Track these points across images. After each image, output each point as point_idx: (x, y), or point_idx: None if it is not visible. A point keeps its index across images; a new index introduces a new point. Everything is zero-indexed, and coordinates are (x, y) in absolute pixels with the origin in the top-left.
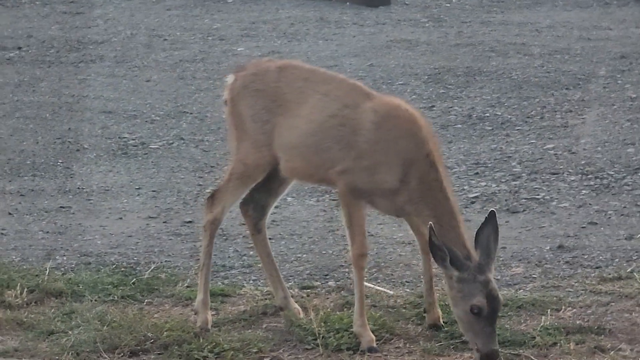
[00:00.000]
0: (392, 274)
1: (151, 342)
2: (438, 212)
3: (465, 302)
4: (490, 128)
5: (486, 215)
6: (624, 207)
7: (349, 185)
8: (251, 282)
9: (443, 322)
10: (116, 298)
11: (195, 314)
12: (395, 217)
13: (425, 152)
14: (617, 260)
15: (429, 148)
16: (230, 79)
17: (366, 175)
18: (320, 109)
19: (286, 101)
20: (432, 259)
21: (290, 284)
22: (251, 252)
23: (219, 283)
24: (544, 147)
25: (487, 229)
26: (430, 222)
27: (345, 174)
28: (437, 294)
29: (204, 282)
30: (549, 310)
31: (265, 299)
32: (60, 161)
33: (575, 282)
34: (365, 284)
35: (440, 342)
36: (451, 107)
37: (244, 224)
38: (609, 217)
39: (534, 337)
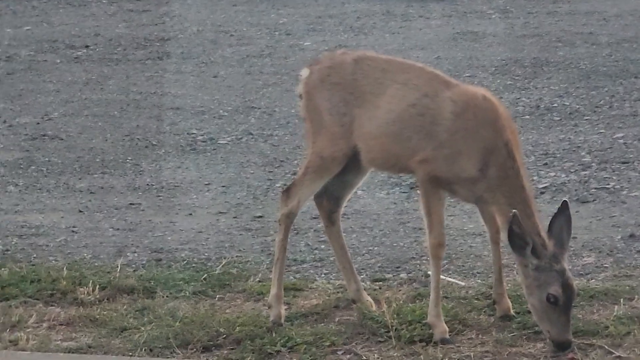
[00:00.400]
0: (463, 265)
1: (223, 338)
2: (514, 200)
3: (541, 290)
4: (558, 118)
5: (559, 205)
6: None
7: (429, 174)
8: (323, 275)
9: (514, 312)
10: (188, 294)
11: (268, 308)
12: (467, 207)
13: (504, 141)
14: None
15: (507, 137)
16: (304, 72)
17: (446, 164)
18: (400, 98)
19: (364, 93)
20: (501, 249)
21: (362, 276)
22: (322, 246)
23: (291, 277)
24: (613, 137)
25: (560, 219)
26: (514, 211)
27: (425, 163)
28: (507, 285)
29: (278, 276)
30: (621, 299)
31: (338, 292)
32: (129, 158)
33: None
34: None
35: (513, 332)
36: (519, 98)
37: (315, 218)
38: None
39: (607, 327)
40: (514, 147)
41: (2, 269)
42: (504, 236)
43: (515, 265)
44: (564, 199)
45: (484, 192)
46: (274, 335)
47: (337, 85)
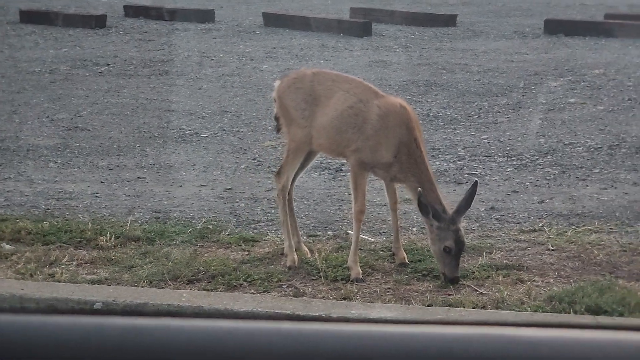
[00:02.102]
0: (373, 227)
1: (202, 274)
2: (421, 179)
3: (440, 243)
4: (442, 124)
5: (472, 184)
6: (537, 180)
7: (358, 159)
8: (273, 231)
9: (408, 261)
10: (177, 242)
11: (285, 256)
12: (376, 185)
13: (413, 137)
14: (532, 218)
15: (416, 134)
16: (277, 83)
17: (370, 153)
18: (342, 101)
19: (319, 96)
20: (398, 215)
21: (300, 232)
22: (273, 211)
23: (250, 232)
24: (481, 137)
25: (467, 193)
26: (419, 188)
27: (356, 151)
28: (403, 241)
29: (287, 233)
30: (484, 253)
31: (283, 243)
32: (137, 145)
33: (503, 233)
34: (350, 232)
35: (407, 275)
36: (415, 109)
37: (267, 190)
38: (527, 187)
39: (474, 272)
40: (420, 142)
41: (44, 222)
42: (414, 205)
43: (410, 228)
44: (475, 179)
45: (397, 173)
46: (238, 273)
47: (299, 90)
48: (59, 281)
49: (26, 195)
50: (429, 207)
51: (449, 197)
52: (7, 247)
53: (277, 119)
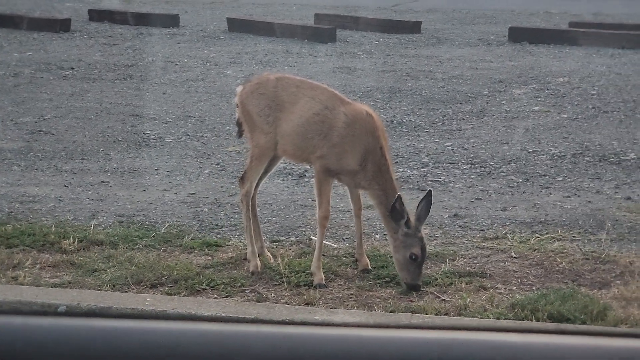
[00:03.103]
0: (336, 233)
1: (165, 278)
2: (385, 187)
3: (406, 250)
4: (406, 130)
5: (426, 193)
6: (501, 187)
7: (323, 166)
8: (236, 236)
9: (371, 267)
10: (141, 246)
11: (248, 261)
12: (340, 191)
13: (379, 145)
14: (495, 225)
15: (381, 142)
16: (239, 88)
17: (336, 160)
18: (308, 108)
19: (283, 102)
20: (362, 221)
21: (264, 238)
22: (236, 215)
23: (214, 237)
24: (445, 145)
25: (423, 202)
26: (399, 194)
27: (321, 158)
28: (366, 248)
29: (250, 239)
30: (447, 260)
31: (246, 248)
32: (101, 149)
33: (466, 240)
34: (313, 237)
35: (370, 281)
36: (379, 115)
37: (231, 196)
38: (490, 195)
39: (437, 279)
40: (385, 150)
41: (7, 225)
42: (379, 211)
43: (373, 234)
44: (430, 188)
45: (362, 181)
46: (201, 277)
47: (262, 95)
48: (22, 284)
49: None
50: (404, 212)
51: (412, 204)
52: None
53: (239, 124)
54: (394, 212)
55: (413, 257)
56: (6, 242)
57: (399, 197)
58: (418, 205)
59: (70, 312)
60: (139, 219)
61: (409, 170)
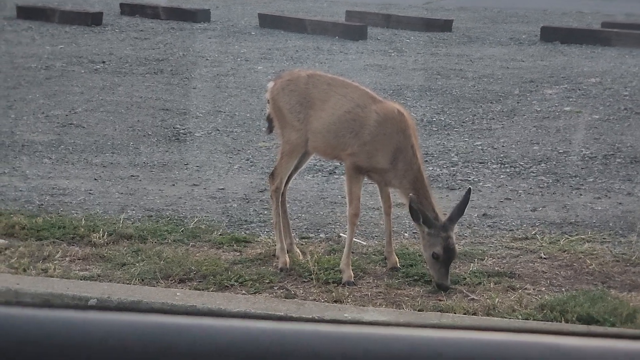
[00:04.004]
0: (365, 230)
1: (194, 273)
2: (416, 186)
3: (430, 249)
4: (436, 129)
5: (465, 191)
6: (530, 188)
7: (353, 164)
8: (265, 232)
9: (400, 265)
10: (170, 241)
11: (277, 258)
12: (370, 189)
13: (410, 144)
14: (524, 225)
15: (412, 141)
16: (270, 84)
17: (367, 158)
18: (339, 106)
19: (314, 99)
20: (391, 219)
21: (293, 234)
22: (265, 212)
23: (242, 232)
24: (474, 144)
25: (460, 201)
26: (410, 194)
27: (352, 155)
28: (395, 245)
29: (279, 235)
30: (475, 259)
31: (275, 245)
32: (131, 143)
33: (495, 240)
34: (343, 234)
35: (399, 279)
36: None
37: (261, 191)
38: (519, 195)
39: (465, 278)
40: (416, 148)
41: (38, 217)
42: (406, 210)
43: (402, 232)
44: (469, 186)
45: (392, 179)
46: (229, 273)
47: (293, 92)
48: (52, 276)
49: (20, 191)
50: (420, 212)
51: (442, 203)
52: (1, 241)
53: (269, 119)
54: (412, 212)
55: (435, 256)
56: (37, 234)
57: (412, 198)
58: (458, 203)
59: (101, 306)
60: (167, 213)
61: (438, 169)
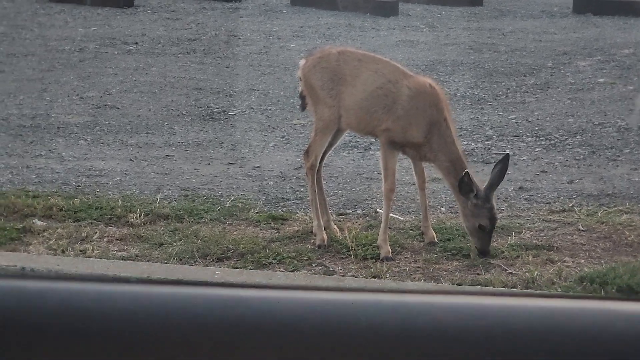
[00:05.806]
0: (402, 205)
1: (231, 252)
2: (451, 158)
3: (475, 220)
4: (469, 103)
5: (502, 156)
6: (566, 160)
7: (388, 139)
8: (302, 210)
9: (437, 240)
10: (206, 220)
11: (314, 235)
12: (405, 164)
13: (443, 117)
14: (561, 198)
15: (445, 115)
16: (302, 62)
17: (401, 132)
18: (371, 82)
19: (345, 75)
20: (426, 194)
21: (330, 211)
22: (302, 189)
23: (279, 210)
24: (508, 117)
25: (498, 167)
26: (466, 170)
27: (386, 131)
28: (432, 220)
29: (316, 212)
30: (513, 232)
31: (312, 222)
32: (166, 123)
33: (532, 213)
34: (379, 210)
35: (436, 254)
36: (442, 89)
37: (296, 169)
38: (556, 167)
39: (503, 252)
40: (450, 122)
41: (75, 199)
42: (448, 182)
43: (439, 207)
44: (507, 152)
45: (427, 153)
46: (267, 251)
47: (325, 69)
48: (91, 257)
49: (57, 172)
50: (473, 186)
51: (477, 177)
52: (39, 223)
53: (302, 97)
54: (463, 186)
55: (482, 228)
56: (74, 215)
57: (467, 173)
58: (493, 169)
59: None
60: (204, 192)
61: (472, 144)
